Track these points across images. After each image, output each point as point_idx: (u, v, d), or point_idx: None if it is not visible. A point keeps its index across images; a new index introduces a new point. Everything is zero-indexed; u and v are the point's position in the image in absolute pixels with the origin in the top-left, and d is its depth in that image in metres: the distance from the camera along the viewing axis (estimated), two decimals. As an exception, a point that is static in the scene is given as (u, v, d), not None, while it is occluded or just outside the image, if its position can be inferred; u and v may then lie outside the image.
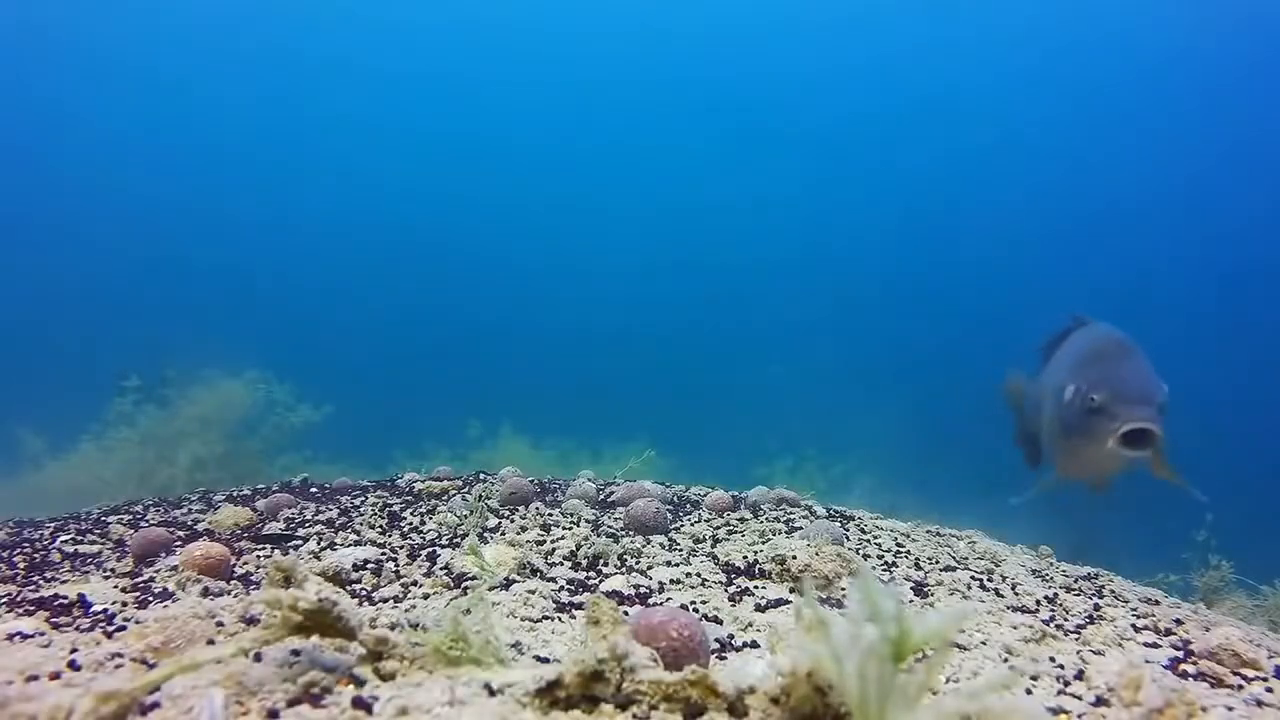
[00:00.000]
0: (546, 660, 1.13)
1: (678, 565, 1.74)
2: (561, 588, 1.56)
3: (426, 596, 1.50)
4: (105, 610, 1.37)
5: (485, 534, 2.06)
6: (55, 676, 0.95)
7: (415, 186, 16.52)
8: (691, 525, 2.25)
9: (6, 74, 13.87)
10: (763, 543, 2.00)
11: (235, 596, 1.47)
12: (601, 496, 2.69)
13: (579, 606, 1.42)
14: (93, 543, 2.14)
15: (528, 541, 1.92)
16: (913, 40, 17.16)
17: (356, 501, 2.66)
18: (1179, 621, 1.61)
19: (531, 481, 2.85)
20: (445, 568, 1.69)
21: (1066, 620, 1.52)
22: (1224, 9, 14.91)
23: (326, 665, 0.90)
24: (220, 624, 1.16)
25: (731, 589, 1.58)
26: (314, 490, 3.06)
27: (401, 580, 1.61)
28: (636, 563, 1.77)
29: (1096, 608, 1.62)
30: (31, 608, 1.36)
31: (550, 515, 2.34)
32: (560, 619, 1.35)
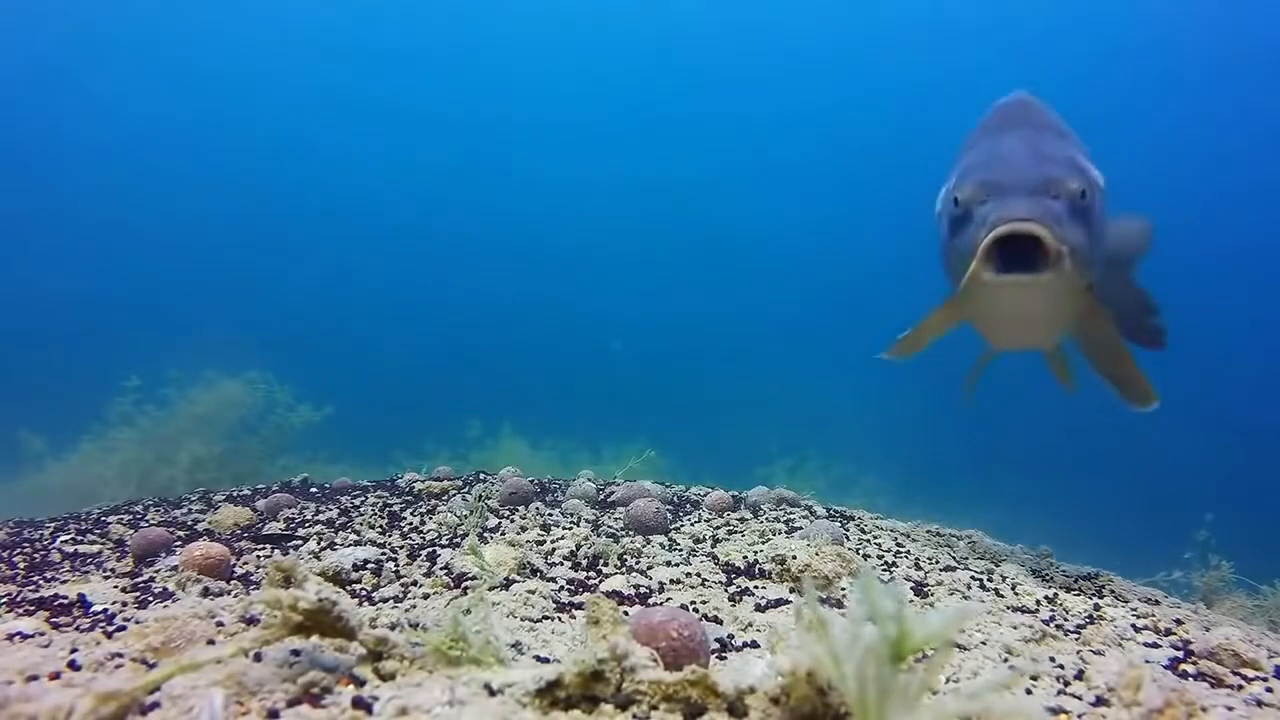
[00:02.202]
0: (546, 660, 1.13)
1: (678, 565, 1.74)
2: (561, 588, 1.56)
3: (426, 596, 1.50)
4: (105, 610, 1.37)
5: (485, 534, 2.06)
6: (55, 676, 0.95)
7: (415, 186, 16.52)
8: (691, 525, 2.25)
9: (5, 74, 13.87)
10: (763, 543, 2.00)
11: (235, 596, 1.47)
12: (601, 496, 2.69)
13: (579, 606, 1.42)
14: (93, 543, 2.14)
15: (528, 541, 1.92)
16: (923, 21, 17.09)
17: (356, 501, 2.66)
18: (1179, 621, 1.61)
19: (531, 481, 2.85)
20: (445, 568, 1.69)
21: (1066, 620, 1.52)
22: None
23: (326, 665, 0.90)
24: (220, 624, 1.16)
25: (731, 589, 1.58)
26: (314, 490, 3.06)
27: (401, 580, 1.61)
28: (636, 563, 1.77)
29: (1096, 607, 1.62)
30: (31, 608, 1.36)
31: (550, 515, 2.34)
32: (560, 619, 1.35)
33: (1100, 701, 1.07)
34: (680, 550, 1.89)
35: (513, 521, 2.22)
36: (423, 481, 2.87)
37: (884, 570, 1.82)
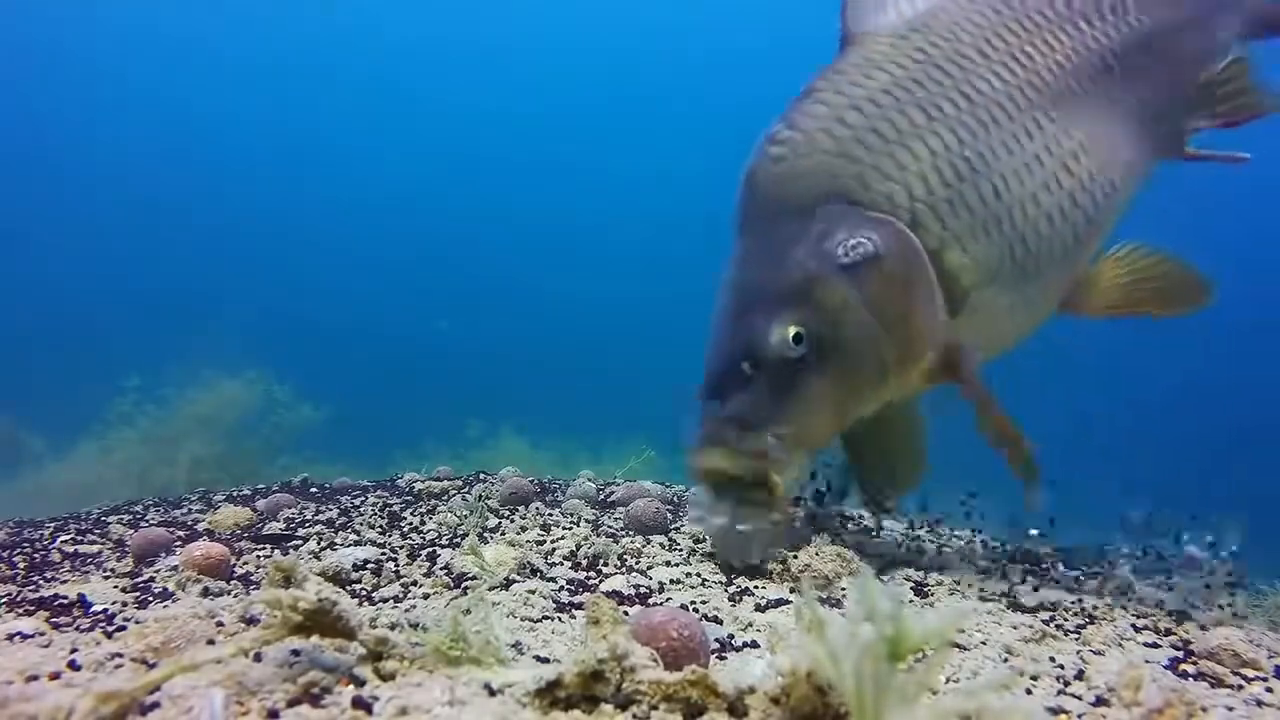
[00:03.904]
0: (546, 660, 1.13)
1: (678, 565, 1.74)
2: (561, 588, 1.56)
3: (426, 596, 1.50)
4: (105, 610, 1.37)
5: (485, 534, 2.06)
6: (55, 676, 0.95)
7: (414, 186, 16.52)
8: (692, 525, 2.25)
9: (5, 74, 13.88)
10: (763, 543, 1.99)
11: (235, 596, 1.47)
12: (601, 496, 2.69)
13: (579, 606, 1.42)
14: (93, 543, 2.14)
15: (528, 541, 1.92)
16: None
17: (356, 501, 2.66)
18: (1179, 621, 1.61)
19: (531, 481, 2.85)
20: (445, 568, 1.69)
21: (1066, 620, 1.52)
22: None
23: (326, 665, 0.90)
24: (220, 624, 1.16)
25: (731, 589, 1.58)
26: (314, 490, 3.06)
27: (401, 580, 1.61)
28: (636, 563, 1.77)
29: (1096, 607, 1.62)
30: (31, 608, 1.36)
31: (550, 515, 2.34)
32: (560, 619, 1.35)
33: (1100, 701, 1.07)
34: (680, 550, 1.89)
35: (513, 521, 2.22)
36: (423, 481, 2.87)
37: (884, 570, 1.83)
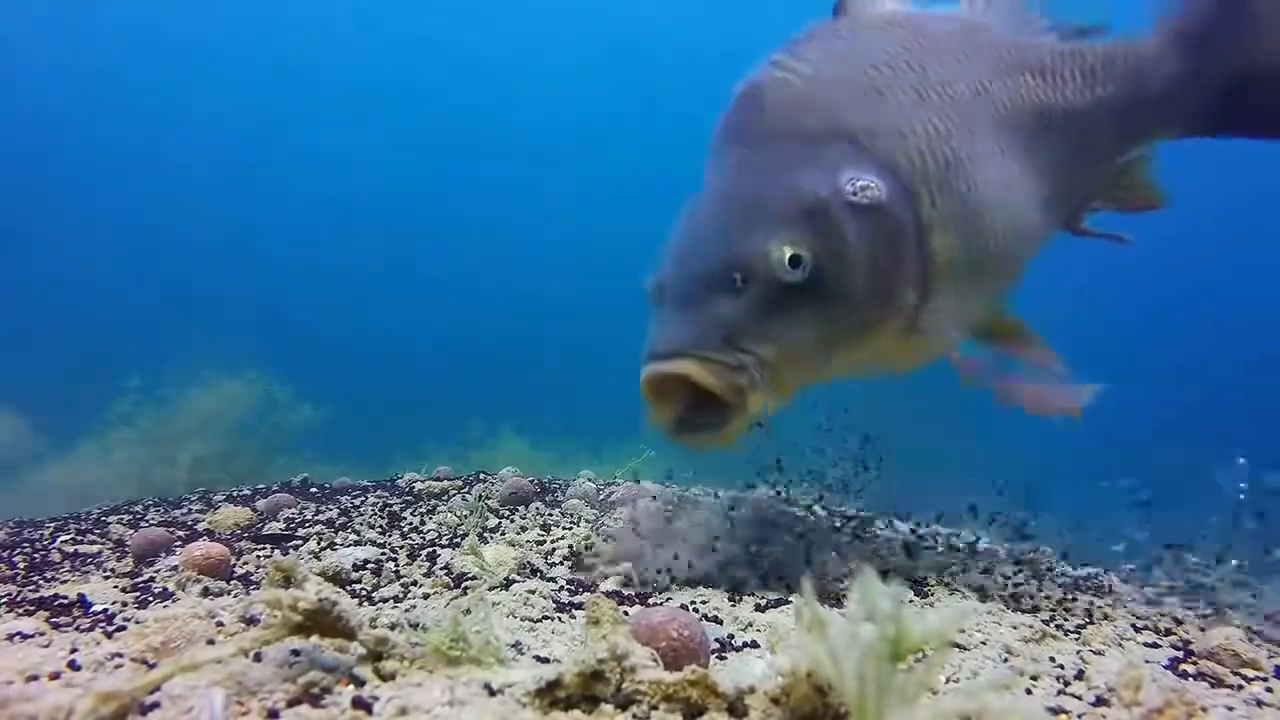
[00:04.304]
0: (546, 660, 1.13)
1: (678, 565, 1.74)
2: (561, 588, 1.56)
3: (426, 596, 1.50)
4: (105, 610, 1.37)
5: (485, 534, 2.06)
6: (55, 676, 0.96)
7: (415, 186, 16.52)
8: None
9: (3, 74, 13.88)
10: (763, 543, 1.99)
11: (235, 596, 1.47)
12: (602, 496, 2.69)
13: (579, 606, 1.42)
14: (93, 543, 2.14)
15: (528, 541, 1.92)
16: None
17: (356, 501, 2.66)
18: (1179, 621, 1.61)
19: (531, 481, 2.85)
20: (445, 568, 1.69)
21: (1066, 620, 1.52)
22: None
23: (326, 665, 0.90)
24: (220, 624, 1.16)
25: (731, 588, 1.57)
26: (314, 490, 3.06)
27: (401, 580, 1.61)
28: (636, 563, 1.77)
29: (1096, 607, 1.62)
30: (31, 608, 1.36)
31: (550, 515, 2.34)
32: (560, 619, 1.35)
33: (1100, 701, 1.07)
34: (680, 550, 1.88)
35: (513, 521, 2.22)
36: (423, 481, 2.87)
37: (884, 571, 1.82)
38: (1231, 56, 2.03)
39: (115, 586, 1.57)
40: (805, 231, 1.43)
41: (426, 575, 1.64)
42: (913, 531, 2.42)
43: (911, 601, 1.59)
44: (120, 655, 1.04)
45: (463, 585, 1.56)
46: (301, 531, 2.14)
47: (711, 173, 1.62)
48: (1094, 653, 1.32)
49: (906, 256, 1.54)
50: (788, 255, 1.40)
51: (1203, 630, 1.51)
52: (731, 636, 1.28)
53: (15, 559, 1.93)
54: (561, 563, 1.77)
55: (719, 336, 1.38)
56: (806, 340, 1.44)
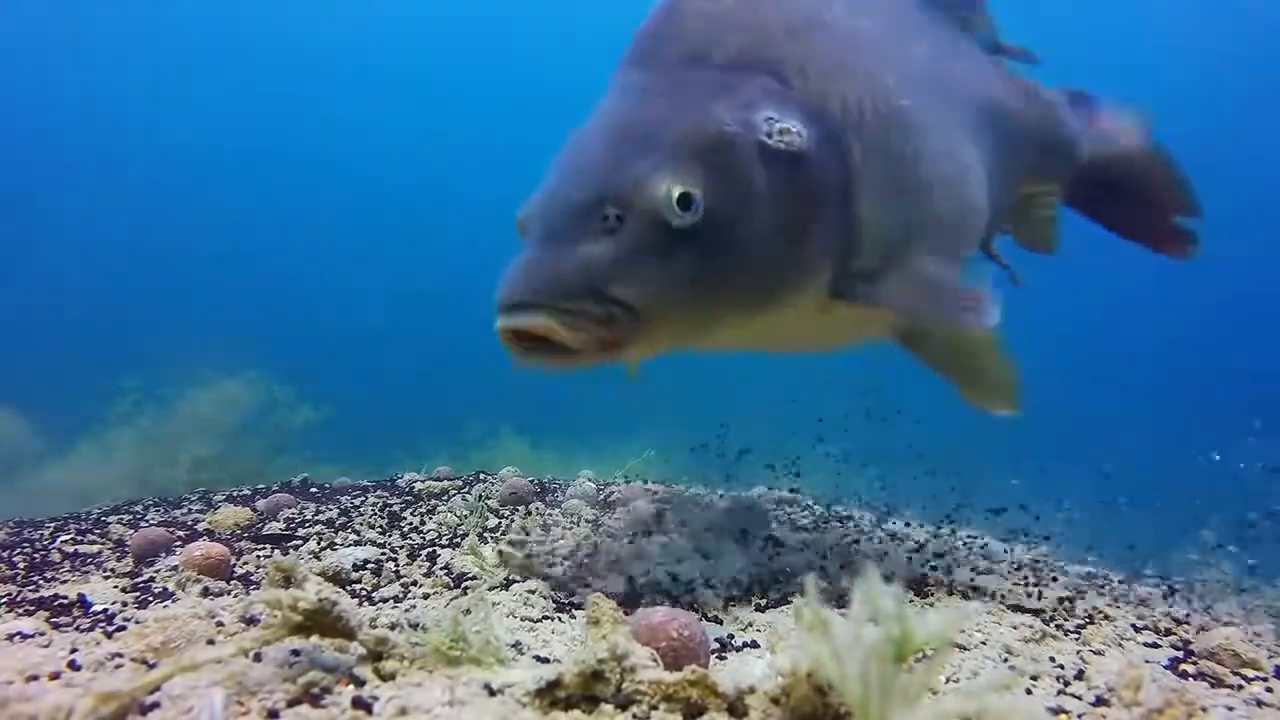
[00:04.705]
0: (546, 660, 1.13)
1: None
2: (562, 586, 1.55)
3: (426, 596, 1.50)
4: (105, 610, 1.37)
5: (485, 534, 2.06)
6: (55, 676, 0.95)
7: (415, 186, 16.52)
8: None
9: (3, 73, 13.88)
10: (763, 543, 1.99)
11: (235, 596, 1.47)
12: (602, 496, 2.69)
13: (579, 606, 1.42)
14: (93, 543, 2.14)
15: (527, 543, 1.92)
16: None
17: (356, 501, 2.66)
18: (1179, 621, 1.61)
19: (531, 481, 2.85)
20: (445, 568, 1.69)
21: (1066, 620, 1.52)
22: None
23: (326, 665, 0.90)
24: (220, 624, 1.16)
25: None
26: (314, 490, 3.06)
27: (401, 580, 1.61)
28: (636, 563, 1.77)
29: (1096, 608, 1.62)
30: (31, 608, 1.36)
31: (550, 515, 2.34)
32: (560, 619, 1.35)
33: (1100, 701, 1.07)
34: (680, 550, 1.89)
35: (513, 521, 2.22)
36: (423, 481, 2.87)
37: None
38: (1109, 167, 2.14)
39: (115, 586, 1.57)
40: (702, 170, 1.23)
41: (426, 575, 1.64)
42: (908, 529, 2.42)
43: (911, 601, 1.59)
44: (120, 655, 1.04)
45: (463, 585, 1.56)
46: (301, 531, 2.14)
47: (606, 97, 1.39)
48: (1094, 653, 1.32)
49: (825, 217, 1.34)
50: (676, 193, 1.19)
51: (1205, 630, 1.51)
52: (731, 636, 1.28)
53: (15, 559, 1.93)
54: (561, 563, 1.77)
55: (582, 282, 1.18)
56: (688, 294, 1.25)
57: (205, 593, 1.51)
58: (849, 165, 1.38)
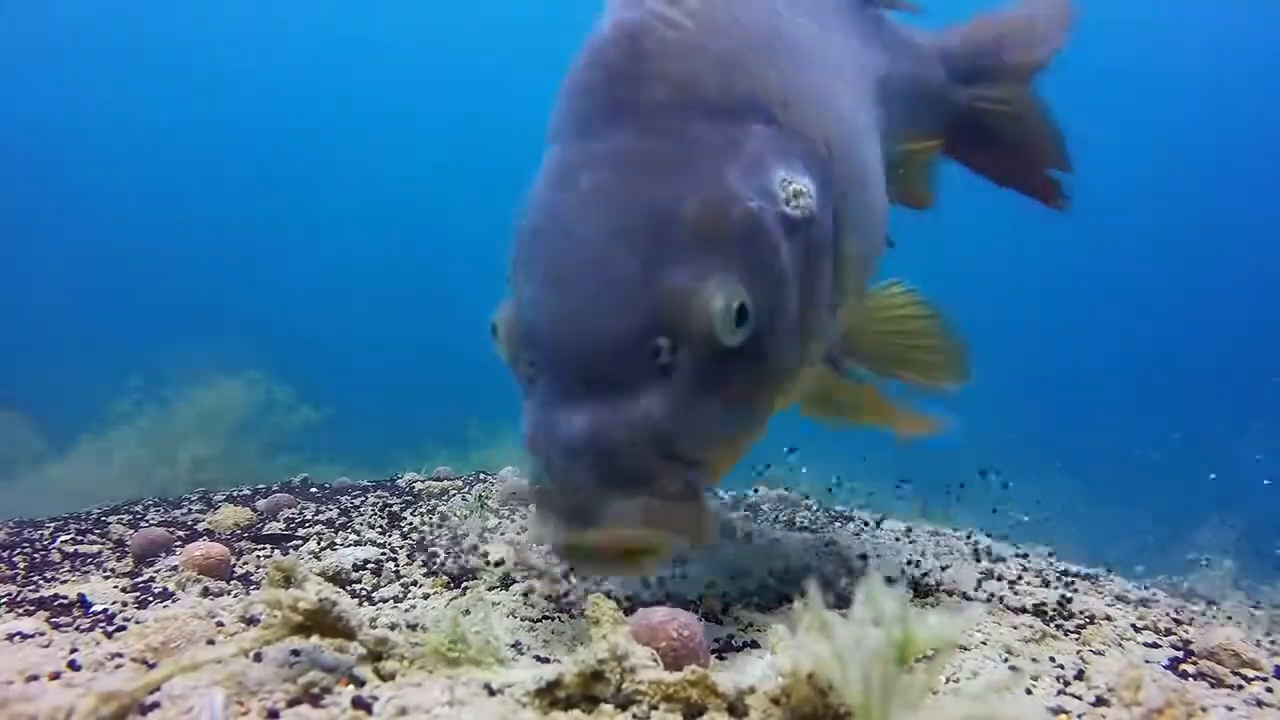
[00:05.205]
0: (546, 660, 1.13)
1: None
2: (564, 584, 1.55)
3: (426, 596, 1.50)
4: (105, 610, 1.37)
5: (485, 534, 2.06)
6: (55, 677, 0.95)
7: (415, 185, 16.52)
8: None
9: (3, 72, 13.88)
10: (763, 543, 1.99)
11: (235, 596, 1.47)
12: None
13: (579, 606, 1.41)
14: (93, 543, 2.14)
15: (528, 541, 1.92)
16: None
17: (356, 501, 2.66)
18: (1179, 621, 1.61)
19: (531, 481, 2.84)
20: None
21: (1066, 620, 1.52)
22: None
23: (326, 665, 0.90)
24: (220, 624, 1.16)
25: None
26: (314, 490, 3.06)
27: (401, 580, 1.61)
28: (636, 563, 1.76)
29: (1096, 607, 1.62)
30: (31, 608, 1.36)
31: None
32: (560, 619, 1.35)
33: (1100, 701, 1.07)
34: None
35: (513, 521, 2.22)
36: (423, 481, 2.88)
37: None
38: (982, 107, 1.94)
39: (115, 586, 1.57)
40: (739, 267, 0.99)
41: (427, 575, 1.64)
42: (908, 530, 2.42)
43: (912, 602, 1.59)
44: (120, 655, 1.04)
45: (463, 585, 1.56)
46: (301, 531, 2.14)
47: (571, 164, 1.07)
48: (1094, 653, 1.32)
49: (828, 268, 1.18)
50: (735, 305, 0.96)
51: (1205, 630, 1.51)
52: (731, 636, 1.28)
53: (15, 559, 1.93)
54: (562, 562, 1.77)
55: (656, 451, 0.94)
56: (746, 422, 1.07)
57: (205, 593, 1.51)
58: (839, 206, 1.22)
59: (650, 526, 0.94)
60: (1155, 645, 1.41)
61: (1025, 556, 2.26)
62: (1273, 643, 1.51)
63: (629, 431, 0.93)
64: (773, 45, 1.21)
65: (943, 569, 1.87)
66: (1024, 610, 1.56)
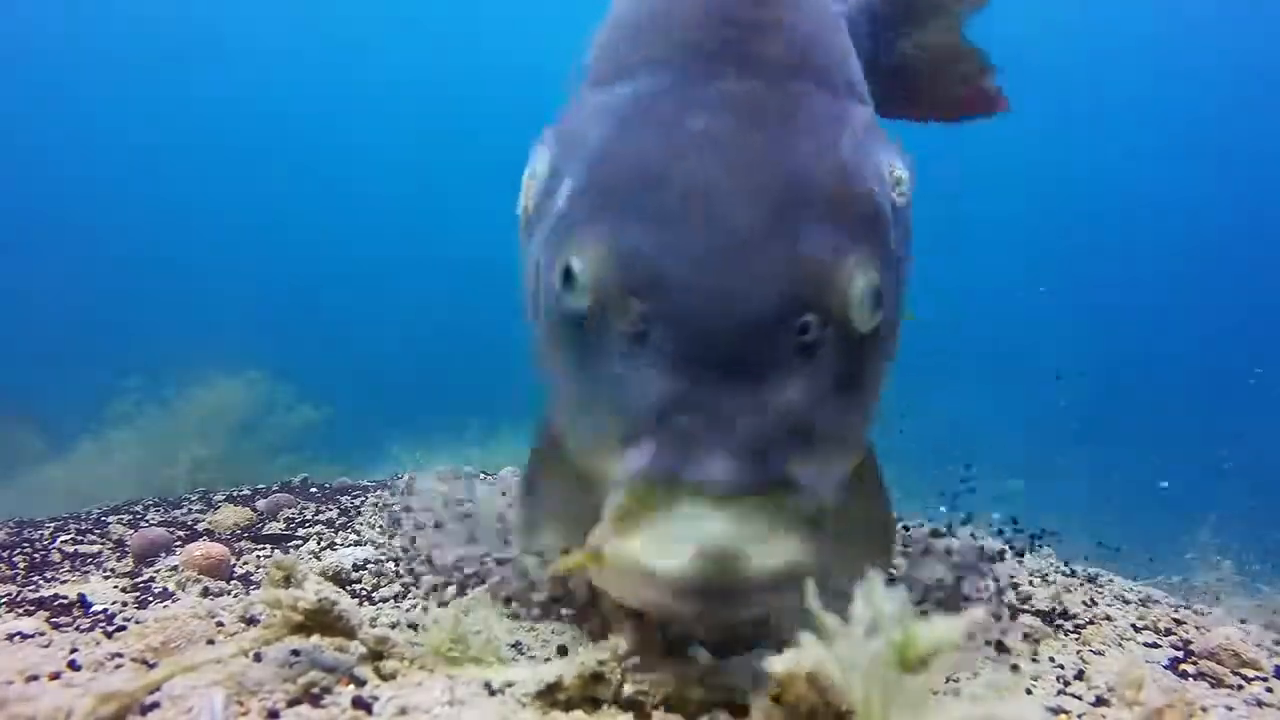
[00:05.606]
0: (547, 660, 1.12)
1: (678, 565, 1.74)
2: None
3: (427, 595, 1.50)
4: (105, 610, 1.37)
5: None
6: (55, 677, 0.95)
7: (415, 185, 16.53)
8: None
9: (3, 72, 13.88)
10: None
11: (235, 596, 1.47)
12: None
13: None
14: (93, 543, 2.14)
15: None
16: None
17: (356, 501, 2.66)
18: (1179, 621, 1.61)
19: (531, 481, 2.84)
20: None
21: (1066, 620, 1.52)
22: None
23: (326, 665, 0.90)
24: (220, 624, 1.17)
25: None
26: (314, 490, 3.06)
27: (401, 580, 1.61)
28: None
29: (1096, 607, 1.62)
30: (31, 608, 1.36)
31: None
32: (561, 619, 1.35)
33: (1100, 701, 1.07)
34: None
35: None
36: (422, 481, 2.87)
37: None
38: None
39: (115, 586, 1.57)
40: (871, 246, 0.89)
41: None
42: (905, 529, 2.41)
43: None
44: (120, 655, 1.04)
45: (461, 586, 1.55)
46: (301, 531, 2.14)
47: (677, 102, 0.93)
48: (1094, 653, 1.32)
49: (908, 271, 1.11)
50: (875, 286, 0.85)
51: (1205, 630, 1.51)
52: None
53: (15, 559, 1.93)
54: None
55: (799, 447, 0.79)
56: (869, 424, 0.96)
57: (205, 593, 1.51)
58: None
59: (805, 547, 0.77)
60: (1155, 645, 1.41)
61: (1025, 556, 2.26)
62: (1274, 643, 1.51)
63: (771, 427, 0.78)
64: (839, 26, 1.18)
65: (943, 569, 1.87)
66: (1024, 610, 1.56)
